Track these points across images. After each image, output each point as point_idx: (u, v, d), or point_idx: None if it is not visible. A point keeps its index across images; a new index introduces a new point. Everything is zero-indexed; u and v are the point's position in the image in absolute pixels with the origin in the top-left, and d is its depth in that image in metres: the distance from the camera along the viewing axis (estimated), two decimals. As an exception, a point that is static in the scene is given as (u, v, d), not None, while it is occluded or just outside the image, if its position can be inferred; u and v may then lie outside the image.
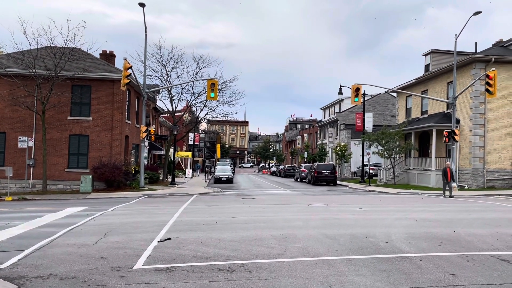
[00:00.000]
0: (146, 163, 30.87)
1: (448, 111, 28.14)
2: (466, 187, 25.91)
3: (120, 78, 23.36)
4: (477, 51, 29.45)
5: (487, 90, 23.00)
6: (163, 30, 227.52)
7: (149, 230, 10.06)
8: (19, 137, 24.05)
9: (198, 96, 34.16)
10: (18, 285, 5.84)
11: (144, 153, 27.76)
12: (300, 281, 5.92)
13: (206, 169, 45.44)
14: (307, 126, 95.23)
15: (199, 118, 38.13)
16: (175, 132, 31.75)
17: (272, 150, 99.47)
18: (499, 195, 22.27)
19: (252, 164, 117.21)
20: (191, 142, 54.27)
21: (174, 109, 34.01)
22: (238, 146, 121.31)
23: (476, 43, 32.89)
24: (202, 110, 35.67)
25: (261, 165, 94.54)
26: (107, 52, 30.41)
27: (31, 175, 24.83)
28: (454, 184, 22.65)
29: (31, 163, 24.73)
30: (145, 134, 25.57)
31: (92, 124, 25.27)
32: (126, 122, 26.71)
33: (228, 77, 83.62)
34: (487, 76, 22.72)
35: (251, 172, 75.40)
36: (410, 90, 33.64)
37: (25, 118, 24.96)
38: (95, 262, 7.02)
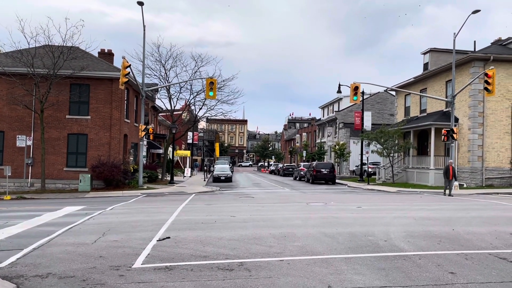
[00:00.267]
0: (145, 162, 30.82)
1: (447, 109, 28.16)
2: (465, 186, 25.95)
3: (119, 77, 23.33)
4: (476, 50, 29.48)
5: (485, 88, 23.01)
6: (162, 29, 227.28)
7: (148, 229, 10.05)
8: (17, 136, 24.00)
9: (197, 94, 34.19)
10: (16, 284, 5.82)
11: (143, 152, 27.72)
12: (299, 280, 5.91)
13: (205, 168, 45.43)
14: (306, 125, 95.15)
15: (198, 117, 38.12)
16: (174, 131, 31.71)
17: (271, 149, 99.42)
18: (497, 193, 22.32)
19: (251, 163, 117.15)
20: (190, 141, 54.17)
21: (173, 108, 33.99)
22: (237, 145, 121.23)
23: (475, 41, 32.92)
24: (201, 109, 35.72)
25: (260, 164, 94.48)
26: (106, 50, 30.33)
27: (30, 174, 24.79)
28: (456, 183, 22.68)
29: (29, 162, 24.69)
30: (144, 133, 25.54)
31: (90, 123, 25.24)
32: (124, 121, 26.68)
33: (227, 76, 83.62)
34: (486, 74, 22.72)
35: (250, 171, 75.43)
36: (409, 88, 33.65)
37: (23, 117, 24.91)
38: (94, 261, 7.01)
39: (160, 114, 45.20)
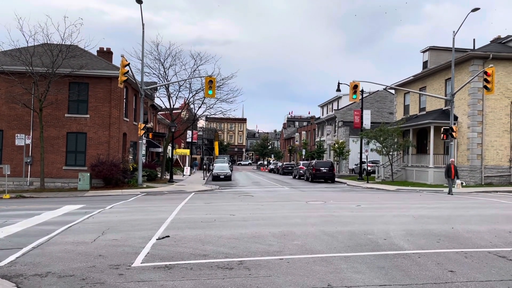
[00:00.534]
0: (144, 160, 30.83)
1: (446, 108, 28.16)
2: (464, 184, 25.95)
3: (118, 75, 23.28)
4: (475, 48, 29.44)
5: (485, 87, 22.99)
6: (161, 27, 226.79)
7: (148, 228, 10.04)
8: (16, 135, 23.97)
9: (196, 93, 34.18)
10: (16, 283, 5.81)
11: (142, 150, 27.72)
12: (298, 278, 5.91)
13: (204, 166, 45.39)
14: (305, 124, 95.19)
15: (197, 116, 38.09)
16: (173, 130, 31.69)
17: (270, 147, 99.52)
18: (496, 191, 22.34)
19: (250, 161, 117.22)
20: (189, 140, 54.20)
21: (172, 107, 33.96)
22: (236, 144, 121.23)
23: (474, 39, 32.78)
24: (200, 107, 35.70)
25: (259, 162, 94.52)
26: (105, 49, 30.29)
27: (29, 173, 24.76)
28: (458, 181, 22.66)
29: (28, 160, 24.65)
30: (143, 131, 25.50)
31: (89, 122, 25.20)
32: (123, 120, 26.65)
33: (225, 75, 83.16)
34: (485, 73, 22.70)
35: (249, 170, 75.44)
36: (408, 87, 33.63)
37: (22, 115, 24.87)
38: (94, 260, 7.00)
39: (159, 112, 45.17)
